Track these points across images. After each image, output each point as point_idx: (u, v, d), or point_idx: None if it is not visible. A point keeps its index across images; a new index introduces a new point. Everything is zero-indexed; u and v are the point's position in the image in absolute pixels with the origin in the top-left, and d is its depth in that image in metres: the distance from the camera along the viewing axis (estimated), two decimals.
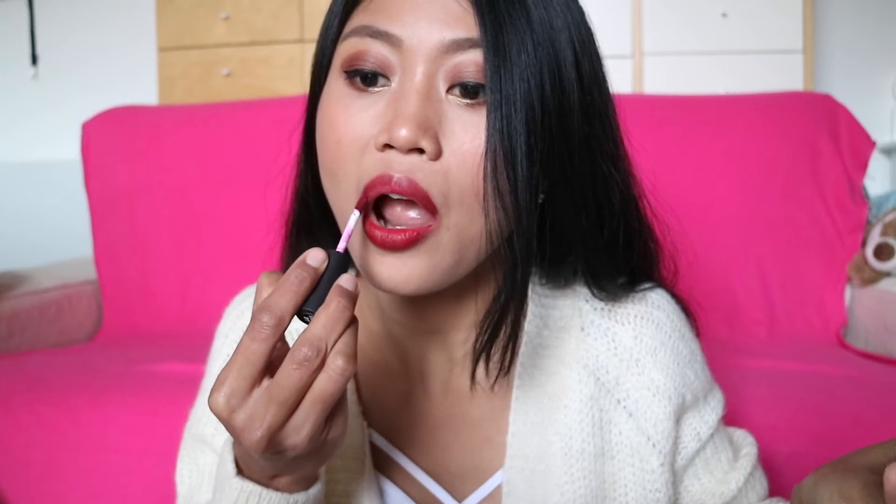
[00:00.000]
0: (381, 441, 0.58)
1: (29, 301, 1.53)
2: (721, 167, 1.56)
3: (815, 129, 1.57)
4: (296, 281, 0.41)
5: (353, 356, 0.41)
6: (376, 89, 0.47)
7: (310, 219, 0.59)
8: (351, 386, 0.59)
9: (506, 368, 0.52)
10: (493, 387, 0.56)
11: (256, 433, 0.40)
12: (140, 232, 1.66)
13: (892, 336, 1.38)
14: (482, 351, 0.52)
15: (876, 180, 2.29)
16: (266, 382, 0.41)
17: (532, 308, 0.59)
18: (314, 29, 2.66)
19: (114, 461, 1.07)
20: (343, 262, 0.44)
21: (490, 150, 0.45)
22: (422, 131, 0.44)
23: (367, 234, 0.47)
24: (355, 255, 0.49)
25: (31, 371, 1.22)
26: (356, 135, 0.46)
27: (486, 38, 0.45)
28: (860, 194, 1.56)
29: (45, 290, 1.58)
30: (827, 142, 1.56)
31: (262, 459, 0.43)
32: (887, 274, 1.49)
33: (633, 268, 0.59)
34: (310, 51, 2.90)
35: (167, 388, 1.11)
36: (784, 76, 2.30)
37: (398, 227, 0.46)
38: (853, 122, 1.58)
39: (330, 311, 0.41)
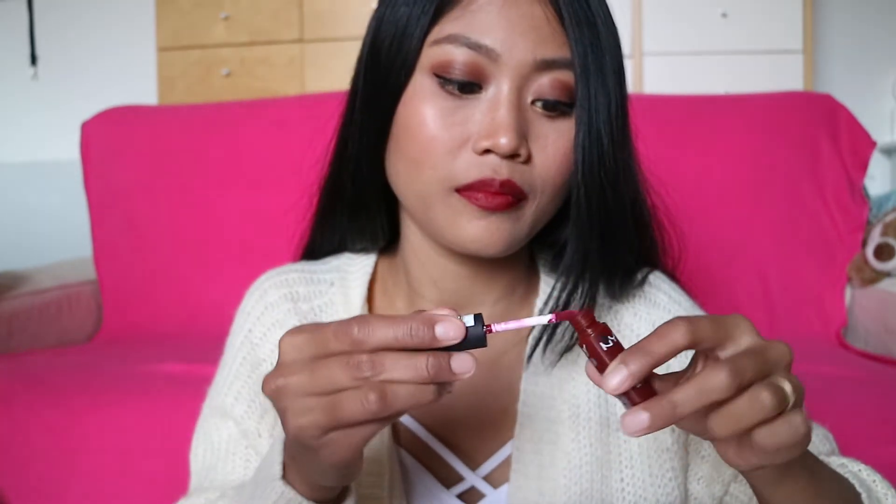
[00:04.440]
0: None
1: (29, 301, 1.53)
2: (721, 167, 1.56)
3: (816, 129, 1.57)
4: (406, 331, 0.38)
5: (390, 405, 0.37)
6: (468, 96, 0.52)
7: (359, 193, 0.62)
8: None
9: (569, 348, 0.59)
10: (553, 364, 0.61)
11: (276, 375, 0.39)
12: (139, 232, 1.66)
13: (893, 336, 1.38)
14: (542, 335, 0.58)
15: (876, 180, 2.29)
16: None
17: (543, 287, 0.63)
18: (314, 29, 2.67)
19: (113, 461, 1.07)
20: (479, 341, 0.39)
21: (578, 156, 0.53)
22: (520, 140, 0.51)
23: (468, 200, 0.52)
24: (448, 222, 0.53)
25: (31, 371, 1.22)
26: (451, 135, 0.52)
27: (578, 61, 0.52)
28: (860, 194, 1.56)
29: (44, 290, 1.58)
30: (827, 142, 1.55)
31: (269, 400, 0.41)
32: (887, 274, 1.49)
33: (638, 255, 0.63)
34: (310, 51, 2.88)
35: (167, 388, 1.11)
36: (784, 76, 2.30)
37: (499, 192, 0.52)
38: (853, 122, 1.58)
39: (418, 362, 0.37)
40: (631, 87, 2.37)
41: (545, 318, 0.41)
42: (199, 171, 1.67)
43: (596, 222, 0.55)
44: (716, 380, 0.36)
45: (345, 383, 0.38)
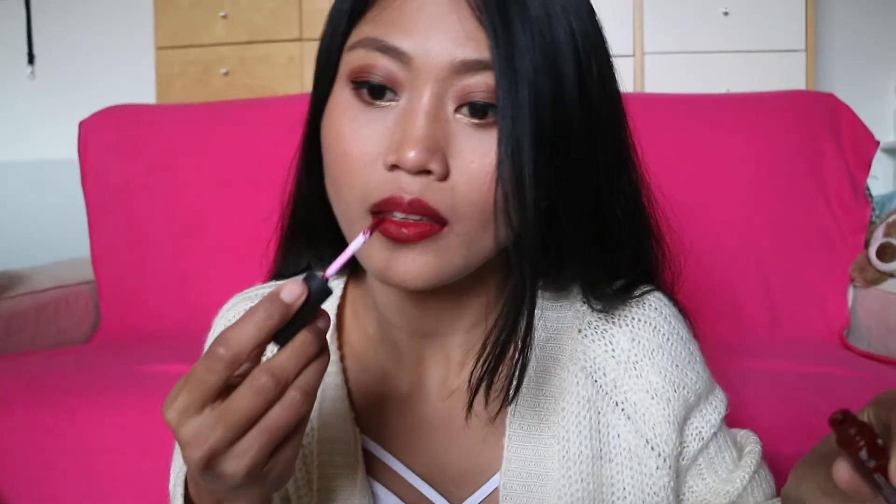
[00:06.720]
0: (374, 447, 0.58)
1: (26, 302, 1.52)
2: (723, 167, 1.55)
3: (818, 128, 1.56)
4: (263, 315, 0.40)
5: (311, 393, 0.41)
6: (384, 103, 0.47)
7: (310, 219, 0.58)
8: (342, 392, 0.58)
9: (510, 398, 0.52)
10: (493, 418, 0.55)
11: (197, 451, 0.39)
12: (138, 232, 1.66)
13: (895, 337, 1.37)
14: (482, 378, 0.51)
15: (879, 180, 2.29)
16: (219, 403, 0.40)
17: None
18: (313, 28, 2.66)
19: (112, 462, 1.07)
20: (324, 292, 0.42)
21: (501, 174, 0.45)
22: (430, 153, 0.44)
23: (381, 230, 0.46)
24: (363, 253, 0.48)
25: (29, 372, 1.22)
26: (363, 150, 0.46)
27: (499, 62, 0.44)
28: (863, 194, 1.56)
29: (42, 290, 1.58)
30: (830, 141, 1.55)
31: (200, 478, 0.42)
32: (890, 275, 1.48)
33: (636, 271, 0.59)
34: (309, 50, 2.87)
35: (165, 388, 1.09)
36: (786, 75, 2.30)
37: (411, 220, 0.46)
38: (856, 122, 1.57)
39: (296, 345, 0.40)
40: (631, 86, 2.37)
41: (360, 240, 0.45)
42: (197, 171, 1.66)
43: (539, 246, 0.47)
44: None
45: (262, 407, 0.39)
